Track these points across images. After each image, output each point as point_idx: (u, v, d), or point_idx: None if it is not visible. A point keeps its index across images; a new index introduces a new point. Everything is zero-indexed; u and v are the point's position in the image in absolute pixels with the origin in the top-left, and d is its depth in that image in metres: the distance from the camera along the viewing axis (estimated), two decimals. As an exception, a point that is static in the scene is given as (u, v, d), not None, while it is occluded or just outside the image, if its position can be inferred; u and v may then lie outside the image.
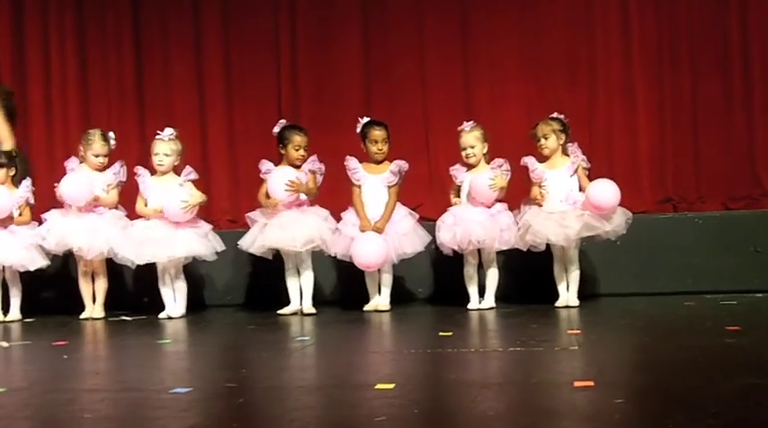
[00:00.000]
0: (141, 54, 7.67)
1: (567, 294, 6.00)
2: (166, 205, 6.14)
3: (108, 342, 5.56)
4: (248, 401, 3.39)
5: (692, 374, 3.56)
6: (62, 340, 5.22)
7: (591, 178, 6.03)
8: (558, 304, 5.96)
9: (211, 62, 7.64)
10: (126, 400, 3.49)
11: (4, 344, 5.18)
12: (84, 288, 6.45)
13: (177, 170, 6.34)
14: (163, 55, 7.68)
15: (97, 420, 3.12)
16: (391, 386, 3.43)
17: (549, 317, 5.54)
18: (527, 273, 6.42)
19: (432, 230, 6.17)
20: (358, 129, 6.30)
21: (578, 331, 4.88)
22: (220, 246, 6.29)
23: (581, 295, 6.03)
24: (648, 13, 7.21)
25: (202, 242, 6.22)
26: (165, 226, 6.16)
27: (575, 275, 6.02)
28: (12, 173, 6.54)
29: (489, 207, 6.06)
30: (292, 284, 6.28)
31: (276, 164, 6.31)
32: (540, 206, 5.97)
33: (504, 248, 6.05)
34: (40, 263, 6.42)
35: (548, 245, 5.99)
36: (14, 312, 6.48)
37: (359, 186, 6.25)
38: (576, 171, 6.04)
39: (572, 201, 5.95)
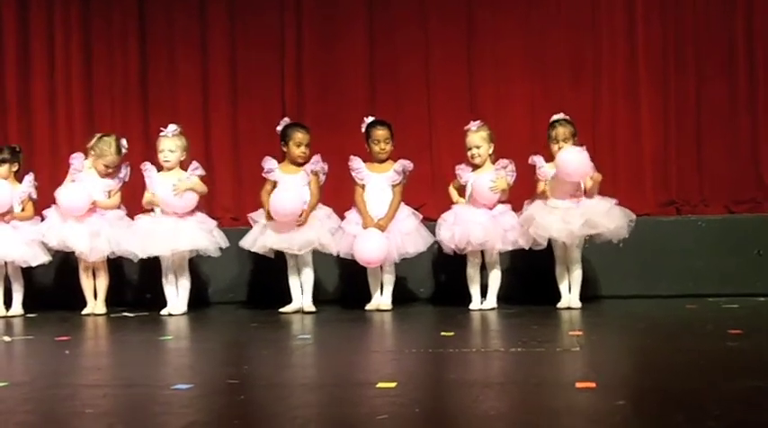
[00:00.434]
0: (146, 51, 7.67)
1: (569, 295, 6.00)
2: (162, 194, 6.17)
3: (110, 337, 5.57)
4: (249, 398, 3.39)
5: (694, 376, 3.56)
6: (64, 335, 5.23)
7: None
8: (559, 305, 5.96)
9: (216, 60, 7.63)
10: (127, 396, 3.50)
11: (6, 339, 5.19)
12: (86, 284, 6.46)
13: (184, 166, 6.35)
14: (168, 52, 7.67)
15: (98, 415, 3.12)
16: (393, 385, 3.43)
17: (550, 318, 5.54)
18: (529, 274, 6.43)
19: (434, 230, 6.17)
20: (363, 129, 6.32)
21: (580, 332, 4.89)
22: (225, 243, 6.31)
23: (583, 297, 6.03)
24: (654, 15, 7.20)
25: (207, 237, 6.23)
26: (170, 220, 6.18)
27: (577, 275, 6.01)
28: (15, 168, 6.55)
29: (491, 208, 6.07)
30: (294, 283, 6.29)
31: (279, 162, 6.33)
32: (548, 198, 5.95)
33: (509, 249, 6.05)
34: (42, 259, 6.43)
35: (549, 246, 5.99)
36: (17, 307, 6.49)
37: (362, 186, 6.26)
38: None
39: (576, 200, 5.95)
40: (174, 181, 6.22)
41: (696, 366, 3.79)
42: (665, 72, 7.20)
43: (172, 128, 6.32)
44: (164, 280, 6.31)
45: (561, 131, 6.02)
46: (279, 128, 6.38)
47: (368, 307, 6.19)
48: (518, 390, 3.45)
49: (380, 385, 3.44)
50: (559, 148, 5.95)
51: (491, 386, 3.53)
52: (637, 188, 7.03)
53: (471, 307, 6.07)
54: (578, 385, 3.33)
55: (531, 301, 6.18)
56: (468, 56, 7.38)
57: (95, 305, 6.43)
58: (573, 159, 5.79)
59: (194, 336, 5.50)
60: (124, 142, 6.47)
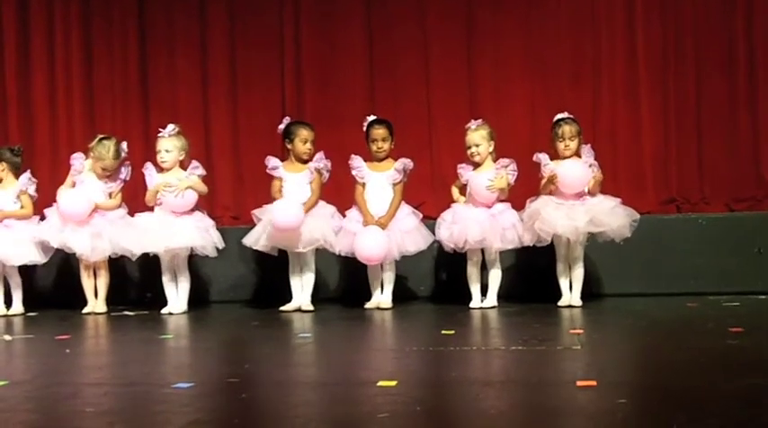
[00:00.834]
0: (146, 49, 7.67)
1: (570, 294, 6.00)
2: (161, 195, 6.19)
3: (110, 336, 5.57)
4: (250, 397, 3.39)
5: (694, 375, 3.56)
6: (64, 334, 5.23)
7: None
8: (560, 303, 5.96)
9: (216, 58, 7.63)
10: (128, 394, 3.49)
11: (7, 338, 5.19)
12: (86, 283, 6.46)
13: (184, 165, 6.35)
14: (168, 50, 7.67)
15: (99, 414, 3.12)
16: (393, 383, 3.43)
17: (551, 317, 5.54)
18: (530, 272, 6.43)
19: (434, 228, 6.17)
20: (364, 128, 6.33)
21: (581, 330, 4.88)
22: (220, 244, 6.30)
23: (584, 295, 6.03)
24: (654, 14, 7.19)
25: (202, 235, 6.22)
26: (167, 217, 6.18)
27: (578, 273, 6.01)
28: (2, 168, 6.52)
29: (490, 206, 6.07)
30: (295, 281, 6.29)
31: (282, 161, 6.33)
32: (555, 189, 5.95)
33: (508, 247, 6.05)
34: (34, 258, 6.38)
35: (550, 244, 5.99)
36: (17, 306, 6.49)
37: (362, 184, 6.27)
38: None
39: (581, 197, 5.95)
40: (172, 180, 6.21)
41: (697, 364, 3.79)
42: (665, 71, 7.19)
43: (169, 128, 6.31)
44: (164, 279, 6.31)
45: (567, 130, 6.02)
46: (281, 127, 6.38)
47: (368, 305, 6.19)
48: (519, 389, 3.45)
49: (381, 383, 3.44)
50: (565, 147, 5.99)
51: (492, 384, 3.54)
52: (637, 186, 7.03)
53: (472, 305, 6.07)
54: (579, 383, 3.33)
55: (531, 299, 6.18)
56: (468, 54, 7.37)
57: (96, 304, 6.43)
58: (571, 174, 5.88)
59: (195, 335, 5.50)
60: (124, 146, 6.44)
